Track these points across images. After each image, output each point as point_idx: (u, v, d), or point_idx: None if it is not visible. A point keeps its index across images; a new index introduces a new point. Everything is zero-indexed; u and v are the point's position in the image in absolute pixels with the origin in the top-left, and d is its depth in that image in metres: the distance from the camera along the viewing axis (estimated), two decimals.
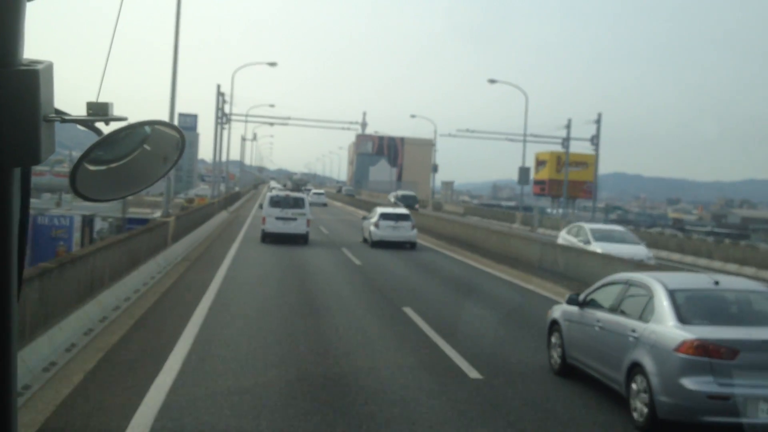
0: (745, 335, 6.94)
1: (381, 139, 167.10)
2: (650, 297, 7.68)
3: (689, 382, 6.76)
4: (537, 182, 71.57)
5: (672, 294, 7.51)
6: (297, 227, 26.10)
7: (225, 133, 49.83)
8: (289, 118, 60.21)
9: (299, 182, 72.80)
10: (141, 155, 1.42)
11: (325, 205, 64.59)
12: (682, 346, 6.87)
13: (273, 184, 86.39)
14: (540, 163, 71.68)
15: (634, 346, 7.49)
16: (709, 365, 6.76)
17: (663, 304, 7.44)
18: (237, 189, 70.45)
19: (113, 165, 1.39)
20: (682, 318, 7.21)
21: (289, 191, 30.72)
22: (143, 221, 26.56)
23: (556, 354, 9.41)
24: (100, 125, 1.35)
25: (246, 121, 61.82)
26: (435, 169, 75.58)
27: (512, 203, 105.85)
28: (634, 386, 7.40)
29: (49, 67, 1.20)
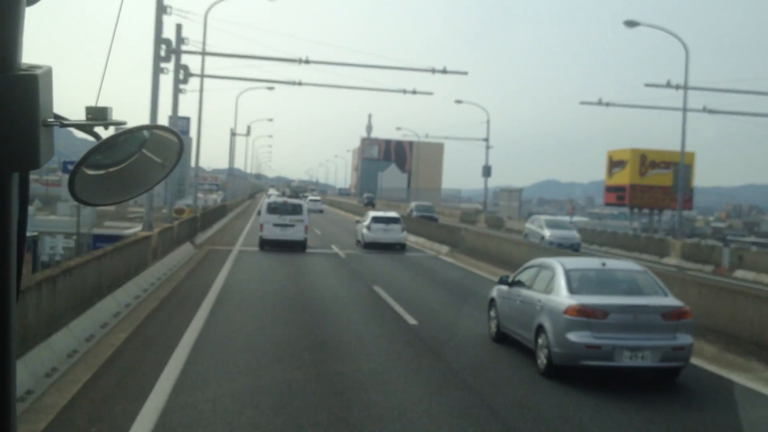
0: (615, 301, 9.27)
1: (388, 142, 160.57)
2: (553, 275, 10.04)
3: (573, 336, 9.10)
4: (612, 189, 55.73)
5: (568, 273, 9.87)
6: (295, 234, 25.97)
7: (184, 98, 32.86)
8: (305, 61, 30.17)
9: (298, 189, 69.82)
10: (139, 160, 1.44)
11: (321, 212, 64.16)
12: (568, 310, 9.21)
13: (271, 191, 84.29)
14: (615, 164, 55.13)
15: (540, 313, 9.84)
16: (587, 323, 9.10)
17: (561, 280, 9.79)
18: (219, 201, 57.66)
19: (112, 169, 1.41)
20: (572, 290, 9.56)
21: (288, 198, 30.10)
22: (115, 238, 20.49)
23: (493, 325, 11.76)
24: (99, 130, 1.36)
25: (232, 79, 38.19)
26: (487, 171, 57.74)
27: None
28: (539, 342, 9.75)
29: (48, 72, 1.21)
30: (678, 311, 9.24)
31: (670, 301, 9.46)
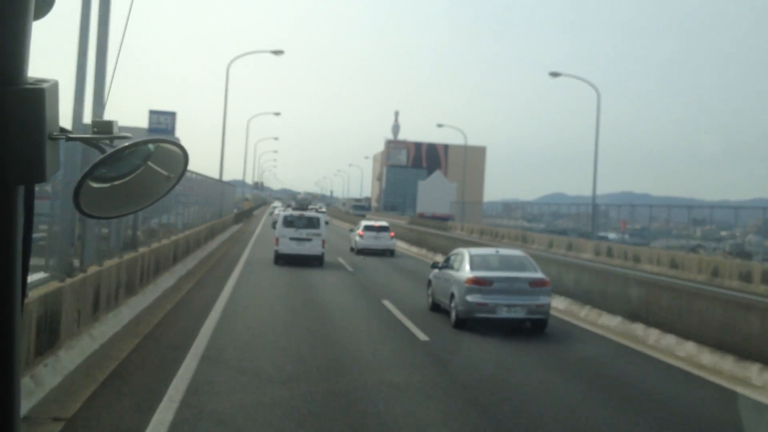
0: (498, 274, 13.74)
1: (418, 146, 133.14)
2: (463, 259, 14.54)
3: (469, 297, 13.55)
4: None
5: (472, 257, 14.37)
6: (311, 248, 25.01)
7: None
8: None
9: (303, 202, 68.58)
10: (144, 173, 1.47)
11: (327, 222, 66.37)
12: (468, 280, 13.69)
13: (276, 204, 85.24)
14: None
15: (453, 284, 14.31)
16: (479, 289, 13.56)
17: (466, 262, 14.28)
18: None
19: (117, 182, 1.43)
20: (473, 267, 14.04)
21: (303, 211, 28.09)
22: None
23: (430, 299, 16.25)
24: (104, 143, 1.39)
25: None
26: None
27: (539, 225, 59.41)
28: (451, 304, 14.21)
29: (55, 86, 1.23)
30: (541, 281, 13.72)
31: (537, 274, 13.94)
